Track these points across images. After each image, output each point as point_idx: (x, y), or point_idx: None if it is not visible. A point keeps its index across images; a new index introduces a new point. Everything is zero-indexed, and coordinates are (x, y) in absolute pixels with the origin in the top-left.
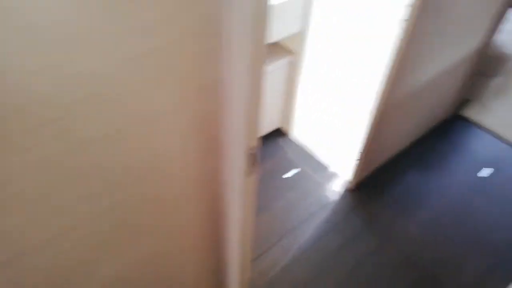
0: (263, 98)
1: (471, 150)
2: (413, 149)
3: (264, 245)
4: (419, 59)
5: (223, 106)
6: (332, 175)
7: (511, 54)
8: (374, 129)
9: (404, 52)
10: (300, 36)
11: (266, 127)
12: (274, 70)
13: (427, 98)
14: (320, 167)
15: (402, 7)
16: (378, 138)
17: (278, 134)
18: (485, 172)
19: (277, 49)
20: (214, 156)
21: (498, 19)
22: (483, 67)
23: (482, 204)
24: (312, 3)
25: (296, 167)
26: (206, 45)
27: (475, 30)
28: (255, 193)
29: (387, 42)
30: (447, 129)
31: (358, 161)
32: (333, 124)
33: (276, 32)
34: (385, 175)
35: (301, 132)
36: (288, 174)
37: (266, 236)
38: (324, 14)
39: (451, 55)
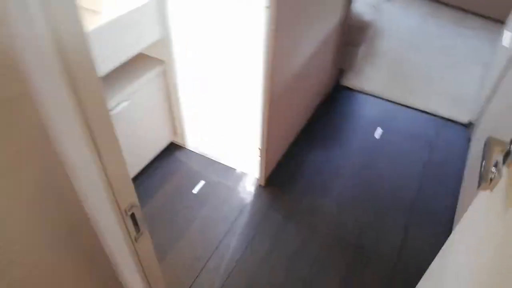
0: (119, 137)
1: (361, 115)
2: (309, 129)
3: (190, 274)
4: (291, 42)
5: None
6: (241, 176)
7: (370, 22)
8: (266, 120)
9: (274, 38)
10: (164, 43)
11: (157, 145)
12: (147, 83)
13: (309, 77)
14: (227, 171)
15: None
16: (273, 128)
17: (173, 148)
18: (378, 132)
19: (144, 60)
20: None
21: None
22: (349, 37)
23: (384, 164)
24: (167, 7)
25: (202, 178)
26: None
27: (333, 5)
28: (152, 256)
29: (256, 32)
30: (335, 101)
31: (261, 156)
32: (226, 125)
33: (135, 42)
34: (291, 162)
35: (197, 140)
36: (196, 188)
37: (191, 264)
38: (184, 16)
39: (318, 32)
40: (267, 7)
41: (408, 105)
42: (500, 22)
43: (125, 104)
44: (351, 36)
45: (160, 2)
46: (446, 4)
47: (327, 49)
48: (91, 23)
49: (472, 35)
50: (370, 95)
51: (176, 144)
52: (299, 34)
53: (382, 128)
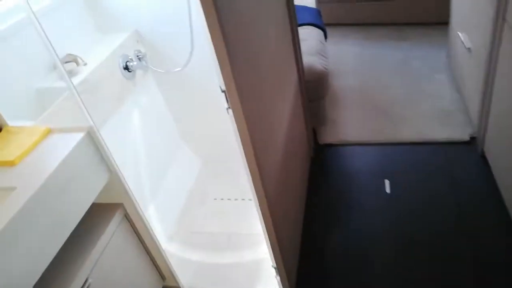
0: None
1: (357, 170)
2: (312, 204)
3: None
4: (265, 127)
5: None
6: None
7: (322, 70)
8: (273, 230)
9: (246, 131)
10: (113, 184)
11: None
12: (111, 237)
13: (291, 152)
14: None
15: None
16: (282, 233)
17: None
18: (387, 185)
19: (97, 212)
20: None
21: (297, 51)
22: (309, 94)
23: (415, 222)
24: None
25: None
26: None
27: (289, 66)
28: None
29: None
30: (323, 164)
31: (279, 274)
32: (223, 248)
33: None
34: (312, 258)
35: (192, 277)
36: None
37: None
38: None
39: (285, 101)
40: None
41: (400, 141)
42: (441, 24)
43: (95, 274)
44: (311, 92)
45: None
46: (378, 24)
47: (296, 114)
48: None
49: (418, 45)
50: (355, 144)
51: None
52: (269, 113)
53: (388, 179)
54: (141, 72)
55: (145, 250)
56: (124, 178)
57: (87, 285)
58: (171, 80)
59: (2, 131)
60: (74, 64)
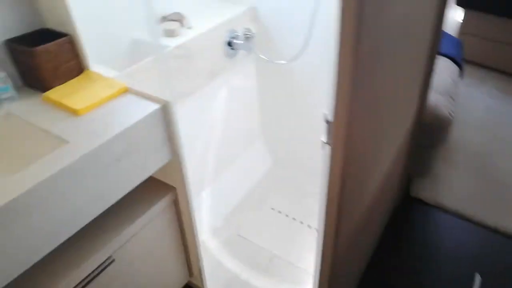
0: None
1: (443, 247)
2: (374, 275)
3: None
4: (362, 173)
5: None
6: None
7: (446, 115)
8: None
9: (340, 177)
10: (173, 166)
11: None
12: (154, 217)
13: (379, 198)
14: None
15: None
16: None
17: None
18: (477, 283)
19: (151, 187)
20: None
21: (426, 85)
22: (422, 137)
23: None
24: (173, 120)
25: None
26: None
27: (409, 102)
28: None
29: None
30: (404, 221)
31: None
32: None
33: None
34: None
35: (217, 280)
36: None
37: None
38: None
39: (393, 142)
40: (326, 144)
41: (509, 231)
42: None
43: (121, 253)
44: (425, 137)
45: (164, 114)
46: None
47: (399, 157)
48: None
49: None
50: (453, 214)
51: (192, 287)
52: (372, 154)
53: (481, 274)
54: (243, 53)
55: (182, 241)
56: (184, 164)
57: (109, 261)
58: (272, 71)
59: (83, 74)
60: (178, 24)
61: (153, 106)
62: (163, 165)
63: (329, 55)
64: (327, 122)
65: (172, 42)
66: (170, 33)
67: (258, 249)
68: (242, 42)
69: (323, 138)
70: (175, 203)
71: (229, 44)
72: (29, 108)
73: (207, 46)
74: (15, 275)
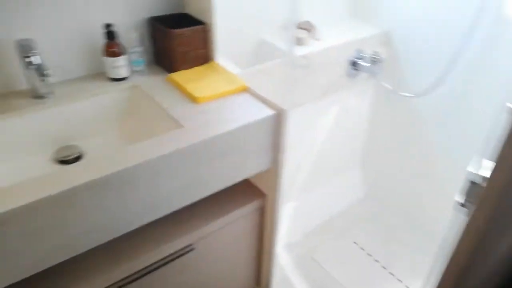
0: None
1: None
2: None
3: None
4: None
5: None
6: None
7: None
8: None
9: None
10: (272, 173)
11: None
12: (238, 218)
13: None
14: None
15: None
16: None
17: None
18: None
19: (242, 189)
20: None
21: None
22: None
23: None
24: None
25: None
26: None
27: None
28: None
29: None
30: None
31: None
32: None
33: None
34: None
35: None
36: None
37: None
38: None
39: None
40: (463, 206)
41: None
42: None
43: (202, 244)
44: None
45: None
46: None
47: None
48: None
49: None
50: None
51: None
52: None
53: None
54: (365, 76)
55: (259, 248)
56: (281, 174)
57: (188, 249)
58: (392, 101)
59: (208, 63)
60: (307, 33)
61: (268, 112)
62: (261, 171)
63: (470, 99)
64: (472, 182)
65: (298, 50)
66: (298, 41)
67: (329, 278)
68: (367, 64)
69: (459, 198)
70: (262, 210)
71: (353, 64)
72: (154, 85)
73: (330, 61)
74: (117, 235)
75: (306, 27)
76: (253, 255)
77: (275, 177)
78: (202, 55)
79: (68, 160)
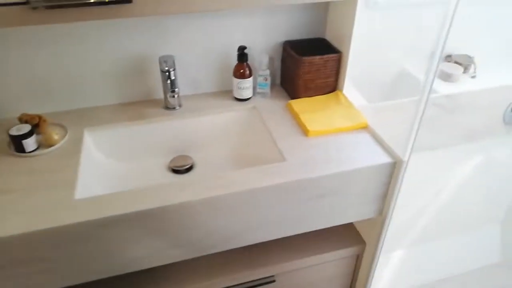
0: None
1: None
2: None
3: None
4: None
5: None
6: None
7: None
8: None
9: None
10: (375, 223)
11: None
12: (334, 260)
13: None
14: None
15: None
16: None
17: None
18: None
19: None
20: None
21: None
22: None
23: None
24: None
25: None
26: None
27: None
28: None
29: None
30: None
31: None
32: None
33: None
34: None
35: None
36: None
37: None
38: None
39: None
40: None
41: None
42: None
43: (283, 277)
44: None
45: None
46: None
47: None
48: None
49: None
50: None
51: None
52: None
53: None
54: None
55: None
56: (387, 227)
57: (270, 279)
58: None
59: (333, 93)
60: (461, 69)
61: (385, 159)
62: (364, 219)
63: None
64: None
65: (443, 88)
66: (446, 77)
67: None
68: None
69: None
70: (358, 258)
71: None
72: (272, 109)
73: (483, 105)
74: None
75: (462, 61)
76: None
77: (379, 229)
78: (329, 84)
79: (180, 170)
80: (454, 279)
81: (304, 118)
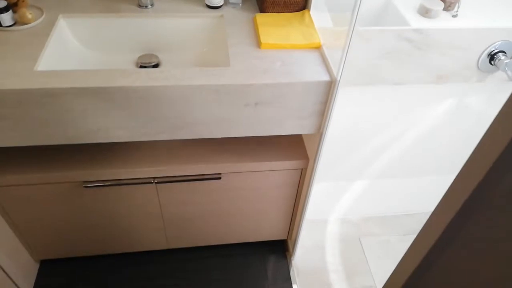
0: None
1: None
2: None
3: None
4: None
5: None
6: None
7: None
8: None
9: None
10: (315, 140)
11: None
12: (281, 171)
13: None
14: None
15: None
16: None
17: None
18: None
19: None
20: None
21: None
22: None
23: None
24: None
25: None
26: None
27: None
28: None
29: None
30: None
31: None
32: None
33: None
34: None
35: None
36: None
37: None
38: None
39: None
40: None
41: None
42: None
43: None
44: None
45: None
46: None
47: None
48: None
49: None
50: None
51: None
52: None
53: None
54: (502, 77)
55: (293, 208)
56: (322, 143)
57: (216, 176)
58: None
59: (300, 12)
60: (442, 5)
61: (322, 77)
62: (302, 133)
63: None
64: None
65: (417, 23)
66: (424, 11)
67: (363, 263)
68: (509, 61)
69: None
70: (302, 172)
71: (492, 56)
72: (238, 20)
73: (458, 47)
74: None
75: None
76: (287, 210)
77: (316, 145)
78: (298, 2)
79: (147, 66)
80: (414, 216)
81: (262, 30)
